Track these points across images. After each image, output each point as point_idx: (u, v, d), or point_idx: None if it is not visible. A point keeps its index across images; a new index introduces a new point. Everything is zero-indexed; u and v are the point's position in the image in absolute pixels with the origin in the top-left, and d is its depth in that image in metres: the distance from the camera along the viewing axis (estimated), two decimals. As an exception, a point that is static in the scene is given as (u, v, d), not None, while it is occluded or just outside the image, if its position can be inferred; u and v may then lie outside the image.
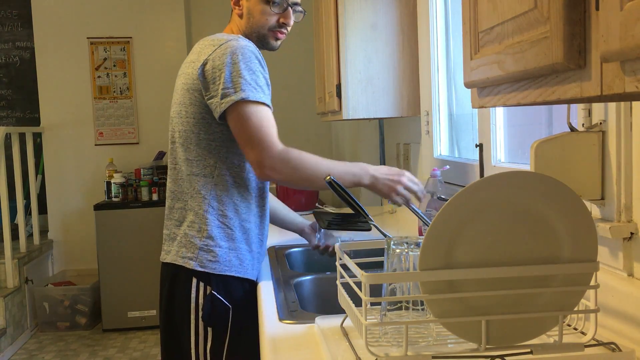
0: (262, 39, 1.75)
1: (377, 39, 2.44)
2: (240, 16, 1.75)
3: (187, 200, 1.69)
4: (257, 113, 1.60)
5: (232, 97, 1.58)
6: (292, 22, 1.76)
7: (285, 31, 1.76)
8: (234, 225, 1.68)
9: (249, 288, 1.73)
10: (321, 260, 2.10)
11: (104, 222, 4.36)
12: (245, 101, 1.58)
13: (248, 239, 1.71)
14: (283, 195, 3.13)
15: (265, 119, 1.61)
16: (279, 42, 1.78)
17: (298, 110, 4.86)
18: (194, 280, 1.66)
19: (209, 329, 1.67)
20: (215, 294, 1.66)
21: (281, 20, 1.74)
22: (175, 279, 1.70)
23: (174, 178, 1.73)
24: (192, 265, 1.66)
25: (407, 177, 1.70)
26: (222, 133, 1.65)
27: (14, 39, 5.27)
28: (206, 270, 1.66)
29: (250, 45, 1.64)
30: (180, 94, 1.71)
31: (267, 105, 1.62)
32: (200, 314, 1.66)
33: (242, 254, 1.70)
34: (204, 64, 1.63)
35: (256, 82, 1.61)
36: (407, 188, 1.68)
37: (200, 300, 1.66)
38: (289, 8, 1.74)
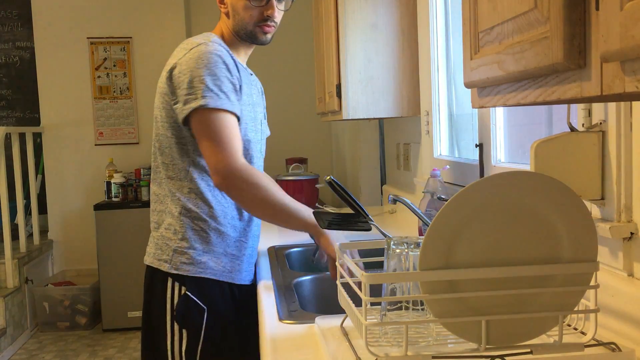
0: (250, 35, 1.71)
1: (377, 39, 2.44)
2: (227, 15, 1.73)
3: (167, 204, 1.70)
4: (217, 120, 1.57)
5: (192, 104, 1.57)
6: (277, 13, 1.71)
7: (272, 24, 1.71)
8: (209, 228, 1.68)
9: (229, 291, 1.72)
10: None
11: (104, 222, 4.36)
12: (205, 108, 1.56)
13: (225, 243, 1.70)
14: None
15: (227, 126, 1.58)
16: (269, 36, 1.73)
17: (298, 110, 4.86)
18: (170, 281, 1.67)
19: (184, 331, 1.66)
20: (190, 294, 1.66)
21: (265, 13, 1.69)
22: (153, 280, 1.71)
23: (158, 182, 1.73)
24: (166, 267, 1.67)
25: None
26: (191, 137, 1.65)
27: (14, 39, 5.27)
28: (180, 273, 1.66)
29: (219, 50, 1.62)
30: (156, 97, 1.72)
31: (231, 112, 1.59)
32: (174, 314, 1.66)
33: (217, 257, 1.68)
34: (173, 69, 1.63)
35: (220, 88, 1.58)
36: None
37: (175, 301, 1.66)
38: None
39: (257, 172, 1.61)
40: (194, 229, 1.67)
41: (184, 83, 1.59)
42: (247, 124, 1.69)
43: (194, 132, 1.61)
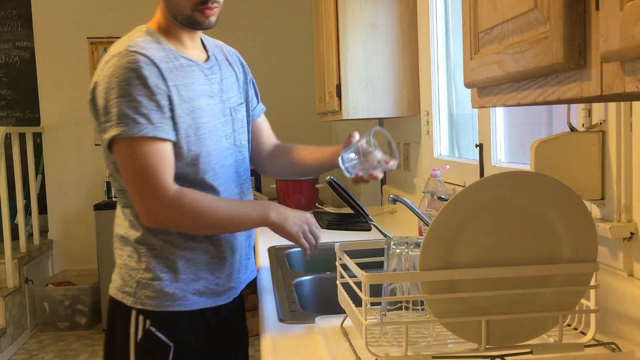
0: (189, 21, 1.44)
1: (377, 39, 2.44)
2: (163, 0, 1.48)
3: (127, 229, 1.52)
4: (137, 151, 1.35)
5: (107, 134, 1.37)
6: None
7: (214, 5, 1.43)
8: (174, 255, 1.47)
9: (201, 320, 1.51)
10: (321, 260, 2.10)
11: (104, 222, 4.35)
12: (121, 138, 1.35)
13: (196, 267, 1.48)
14: (282, 195, 3.13)
15: (150, 156, 1.36)
16: (212, 19, 1.45)
17: (298, 110, 4.86)
18: (133, 314, 1.47)
19: None
20: (153, 330, 1.46)
21: None
22: (115, 313, 1.52)
23: (121, 207, 1.56)
24: (130, 301, 1.47)
25: (314, 220, 1.52)
26: None
27: (14, 39, 5.27)
28: (145, 308, 1.46)
29: (133, 61, 1.36)
30: None
31: (154, 138, 1.36)
32: (137, 352, 1.47)
33: (188, 285, 1.48)
34: (94, 89, 1.41)
35: (136, 110, 1.34)
36: (312, 232, 1.50)
37: (139, 336, 1.47)
38: None
39: (190, 196, 1.39)
40: (159, 257, 1.47)
41: (101, 107, 1.38)
42: (190, 137, 1.43)
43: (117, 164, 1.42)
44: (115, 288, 1.53)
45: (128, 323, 1.48)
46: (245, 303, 1.73)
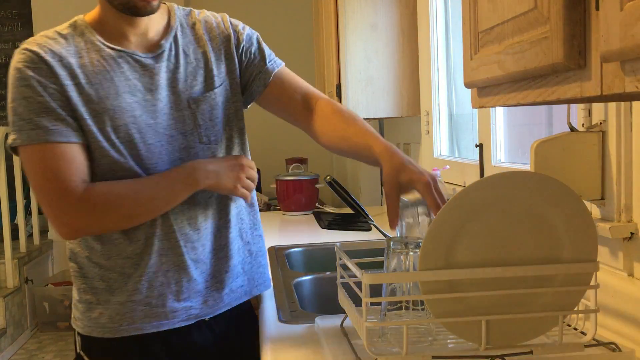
0: (127, 7, 1.25)
1: (377, 39, 2.44)
2: None
3: (69, 243, 1.37)
4: (33, 157, 1.21)
5: (7, 143, 1.26)
6: None
7: None
8: (99, 275, 1.30)
9: (140, 349, 1.31)
10: (321, 260, 2.10)
11: (104, 222, 4.35)
12: (18, 147, 1.22)
13: (124, 288, 1.28)
14: (282, 195, 3.13)
15: (48, 160, 1.20)
16: (154, 3, 1.25)
17: (298, 110, 4.86)
18: (75, 334, 1.37)
19: None
20: (82, 354, 1.34)
21: None
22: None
23: None
24: (71, 319, 1.37)
25: (247, 160, 1.36)
26: None
27: (14, 39, 5.27)
28: (77, 330, 1.34)
29: (20, 61, 1.23)
30: None
31: (47, 142, 1.19)
32: None
33: (115, 308, 1.28)
34: None
35: (24, 114, 1.19)
36: (248, 176, 1.34)
37: (74, 358, 1.37)
38: None
39: (98, 190, 1.23)
40: (84, 277, 1.31)
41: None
42: (101, 142, 1.24)
43: None
44: None
45: (75, 343, 1.38)
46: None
